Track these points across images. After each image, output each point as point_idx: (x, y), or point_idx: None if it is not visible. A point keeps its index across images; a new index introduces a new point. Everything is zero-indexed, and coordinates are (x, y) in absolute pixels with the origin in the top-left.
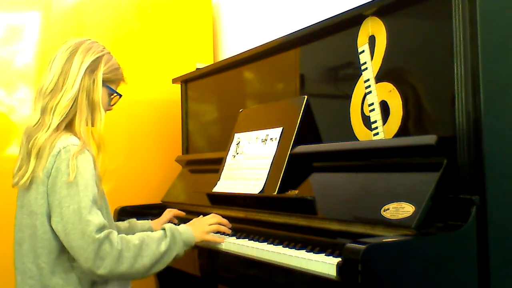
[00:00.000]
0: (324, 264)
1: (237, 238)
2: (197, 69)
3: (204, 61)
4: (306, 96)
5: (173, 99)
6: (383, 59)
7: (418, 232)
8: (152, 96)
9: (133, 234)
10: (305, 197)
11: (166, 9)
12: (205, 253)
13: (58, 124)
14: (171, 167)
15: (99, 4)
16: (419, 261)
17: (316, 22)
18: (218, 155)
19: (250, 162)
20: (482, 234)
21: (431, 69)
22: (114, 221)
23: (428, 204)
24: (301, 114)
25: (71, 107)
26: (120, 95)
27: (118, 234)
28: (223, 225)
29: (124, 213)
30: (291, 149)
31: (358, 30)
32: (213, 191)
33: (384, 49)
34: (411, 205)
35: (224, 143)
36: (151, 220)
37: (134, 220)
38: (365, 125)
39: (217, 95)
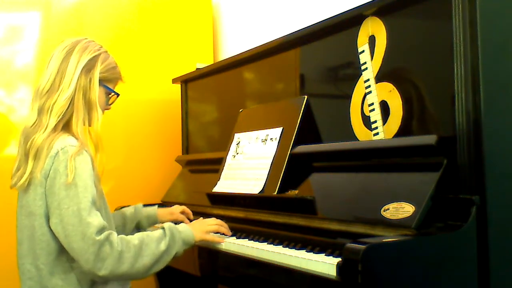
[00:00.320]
0: (324, 264)
1: (237, 238)
2: (197, 69)
3: (204, 61)
4: (306, 96)
5: (173, 99)
6: (383, 59)
7: (418, 232)
8: (152, 96)
9: (137, 220)
10: (305, 197)
11: (166, 9)
12: (205, 253)
13: (56, 125)
14: (171, 167)
15: (99, 4)
16: (419, 261)
17: (316, 22)
18: (218, 155)
19: (250, 162)
20: (482, 234)
21: (431, 69)
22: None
23: (428, 204)
24: (301, 114)
25: (68, 107)
26: (118, 94)
27: (120, 225)
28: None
29: None
30: (291, 149)
31: (358, 30)
32: (213, 191)
33: (384, 49)
34: (411, 205)
35: (224, 143)
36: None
37: (140, 205)
38: (365, 125)
39: (217, 95)
